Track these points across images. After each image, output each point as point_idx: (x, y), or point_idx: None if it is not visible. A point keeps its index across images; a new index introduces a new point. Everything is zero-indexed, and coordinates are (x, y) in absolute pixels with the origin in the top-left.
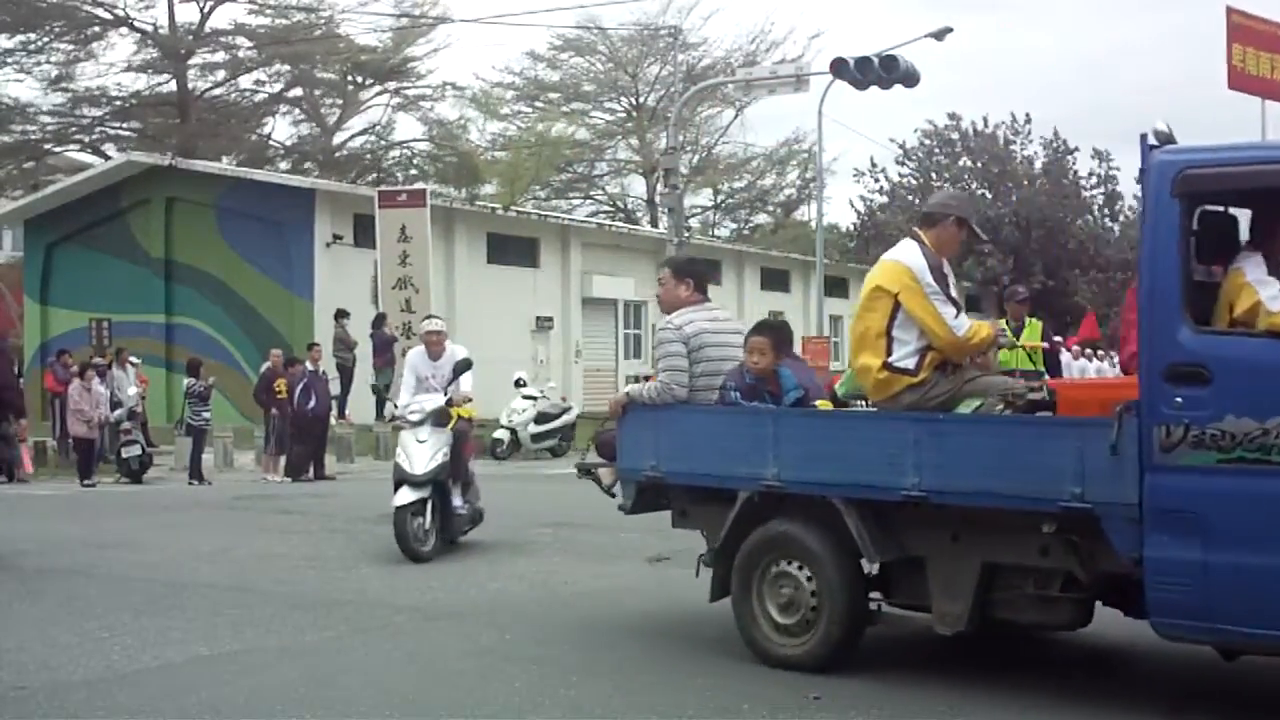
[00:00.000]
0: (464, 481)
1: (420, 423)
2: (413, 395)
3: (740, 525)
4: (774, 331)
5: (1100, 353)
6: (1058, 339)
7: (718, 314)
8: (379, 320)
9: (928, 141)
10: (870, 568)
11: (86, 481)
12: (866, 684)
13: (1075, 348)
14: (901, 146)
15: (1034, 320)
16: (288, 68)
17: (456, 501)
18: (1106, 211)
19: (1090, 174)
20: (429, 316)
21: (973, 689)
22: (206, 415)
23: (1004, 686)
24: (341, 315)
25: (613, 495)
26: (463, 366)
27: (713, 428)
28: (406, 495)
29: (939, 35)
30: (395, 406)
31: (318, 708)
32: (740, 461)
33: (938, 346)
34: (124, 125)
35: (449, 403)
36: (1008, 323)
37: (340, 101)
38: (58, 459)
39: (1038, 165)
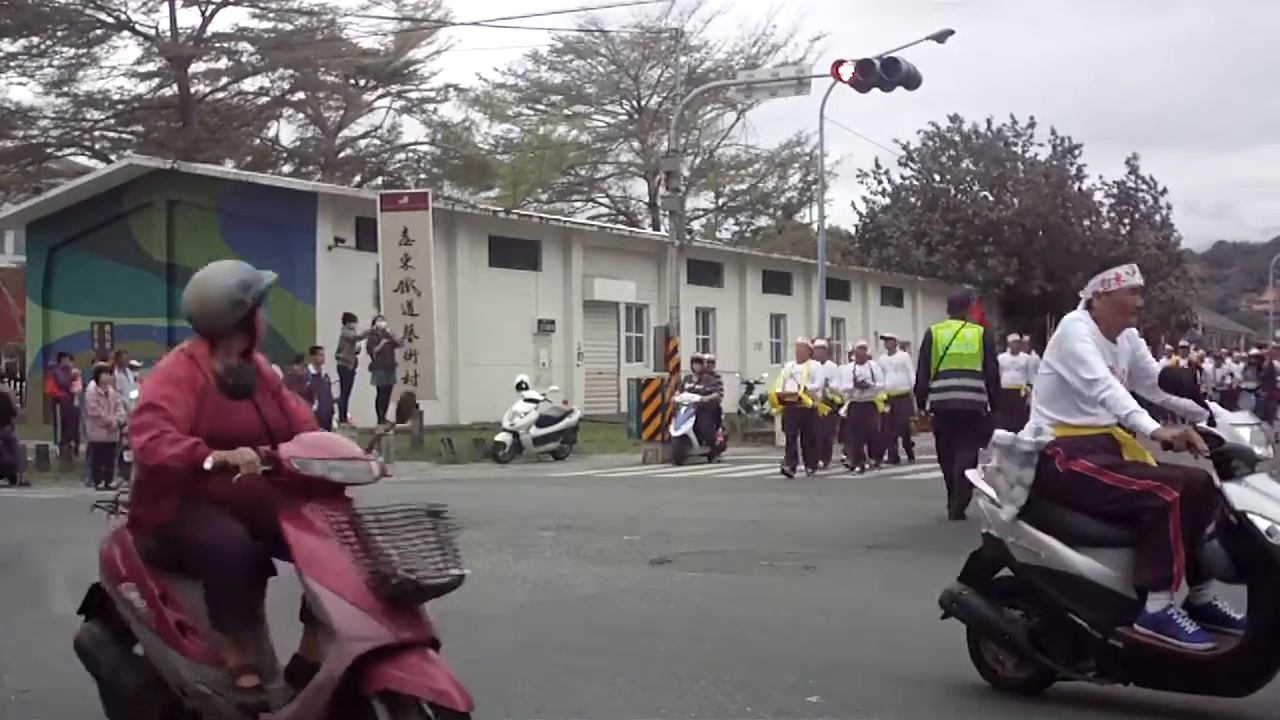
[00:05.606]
0: None
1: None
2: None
3: None
4: None
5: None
6: (887, 335)
7: None
8: (377, 332)
9: (931, 143)
10: None
11: (104, 485)
12: (867, 684)
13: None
14: (905, 148)
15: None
16: (290, 71)
17: None
18: (1114, 214)
19: (1106, 179)
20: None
21: (973, 688)
22: None
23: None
24: (350, 319)
25: None
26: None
27: None
28: None
29: (940, 38)
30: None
31: None
32: None
33: None
34: (126, 129)
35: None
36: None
37: (343, 104)
38: (60, 463)
39: (1042, 166)
